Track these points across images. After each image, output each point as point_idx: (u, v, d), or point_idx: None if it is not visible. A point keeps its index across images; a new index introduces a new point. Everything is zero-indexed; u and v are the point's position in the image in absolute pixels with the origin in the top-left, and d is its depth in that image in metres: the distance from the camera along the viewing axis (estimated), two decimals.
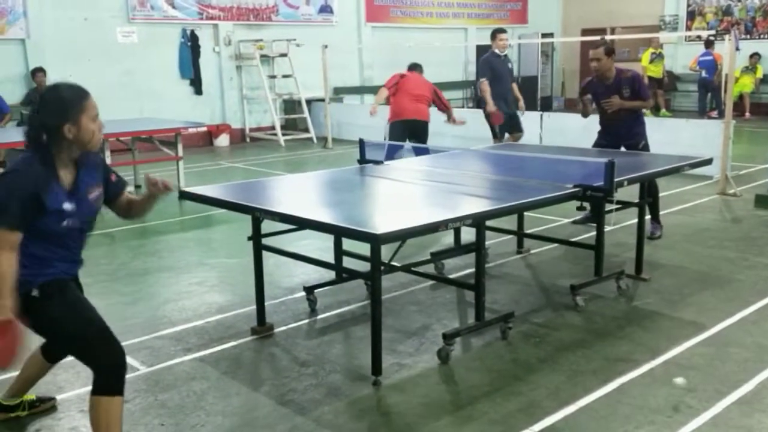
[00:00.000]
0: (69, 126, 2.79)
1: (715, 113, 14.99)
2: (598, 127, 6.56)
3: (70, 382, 3.85)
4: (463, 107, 18.09)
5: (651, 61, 16.38)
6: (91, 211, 3.00)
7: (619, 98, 6.17)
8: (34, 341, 3.08)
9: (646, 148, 6.31)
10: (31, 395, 3.53)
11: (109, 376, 2.90)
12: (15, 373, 3.45)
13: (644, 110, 6.46)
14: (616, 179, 4.40)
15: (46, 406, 3.55)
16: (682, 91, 18.22)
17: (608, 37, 17.60)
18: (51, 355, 3.39)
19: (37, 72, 11.52)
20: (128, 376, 3.86)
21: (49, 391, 3.74)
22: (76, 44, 12.32)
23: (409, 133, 8.40)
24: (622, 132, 6.28)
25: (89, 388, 2.93)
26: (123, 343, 4.24)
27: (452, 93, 18.46)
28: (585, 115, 6.56)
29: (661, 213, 6.59)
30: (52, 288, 2.88)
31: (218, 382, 3.85)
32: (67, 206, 2.84)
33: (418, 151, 7.78)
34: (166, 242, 6.96)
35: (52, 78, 10.70)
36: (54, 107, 2.81)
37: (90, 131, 2.84)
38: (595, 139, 6.49)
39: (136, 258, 6.37)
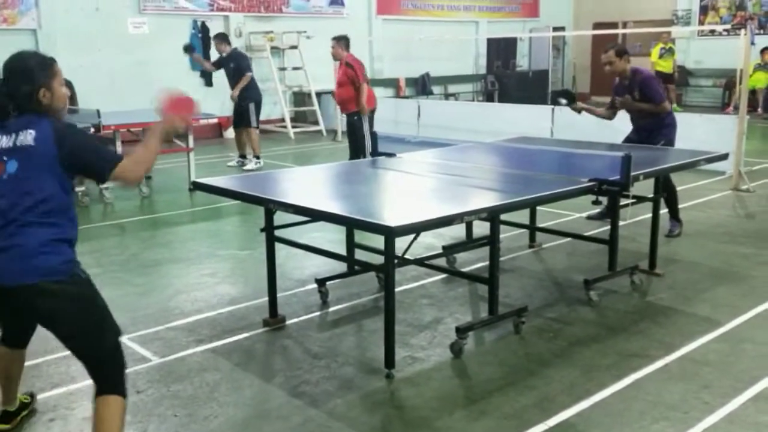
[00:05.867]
0: (44, 91, 2.73)
1: (729, 108, 14.89)
2: (607, 123, 6.65)
3: (82, 372, 3.82)
4: (473, 100, 18.05)
5: (660, 57, 16.27)
6: None
7: (631, 99, 6.22)
8: None
9: (667, 144, 6.26)
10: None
11: (124, 376, 2.86)
12: None
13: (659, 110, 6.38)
14: (632, 173, 4.36)
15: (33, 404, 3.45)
16: (694, 86, 18.09)
17: (620, 31, 17.68)
18: (12, 341, 3.16)
19: None
20: (141, 366, 3.91)
21: (63, 381, 3.75)
22: (88, 35, 12.29)
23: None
24: (645, 132, 6.27)
25: None
26: (135, 334, 4.33)
27: (463, 86, 18.42)
28: (608, 117, 6.61)
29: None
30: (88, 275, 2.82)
31: (231, 374, 3.84)
32: None
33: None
34: (176, 233, 6.96)
35: (63, 68, 10.64)
36: (25, 74, 2.71)
37: (63, 96, 2.80)
38: (627, 135, 6.54)
39: (148, 249, 6.36)
